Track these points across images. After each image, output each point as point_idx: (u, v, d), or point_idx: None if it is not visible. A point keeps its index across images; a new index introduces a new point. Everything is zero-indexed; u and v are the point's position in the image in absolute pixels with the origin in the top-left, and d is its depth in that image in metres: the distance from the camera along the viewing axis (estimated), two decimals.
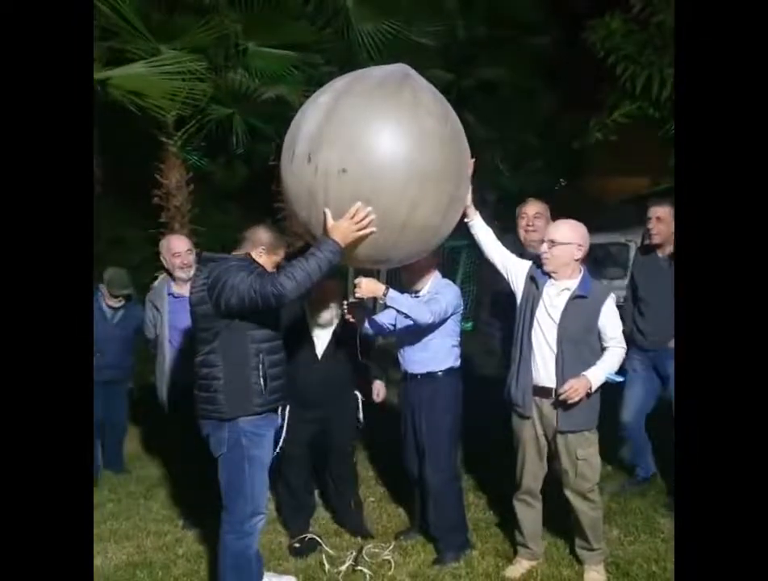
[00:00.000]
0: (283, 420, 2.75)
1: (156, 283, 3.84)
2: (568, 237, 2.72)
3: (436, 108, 2.44)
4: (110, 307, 4.26)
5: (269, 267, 2.62)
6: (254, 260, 2.57)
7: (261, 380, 2.50)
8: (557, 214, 3.18)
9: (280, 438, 2.79)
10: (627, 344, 2.84)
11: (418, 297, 3.01)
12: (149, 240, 5.73)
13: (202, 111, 5.51)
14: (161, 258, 3.66)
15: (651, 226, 3.54)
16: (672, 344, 3.37)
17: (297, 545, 3.19)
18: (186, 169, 5.84)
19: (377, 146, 2.27)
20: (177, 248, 3.54)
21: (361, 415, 3.32)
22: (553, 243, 2.71)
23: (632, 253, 6.77)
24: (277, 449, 2.80)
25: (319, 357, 3.19)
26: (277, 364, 2.59)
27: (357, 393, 3.34)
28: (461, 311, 3.10)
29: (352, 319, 3.01)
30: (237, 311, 2.42)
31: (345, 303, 2.94)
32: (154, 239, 5.65)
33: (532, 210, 3.38)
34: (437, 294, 2.97)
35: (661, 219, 3.50)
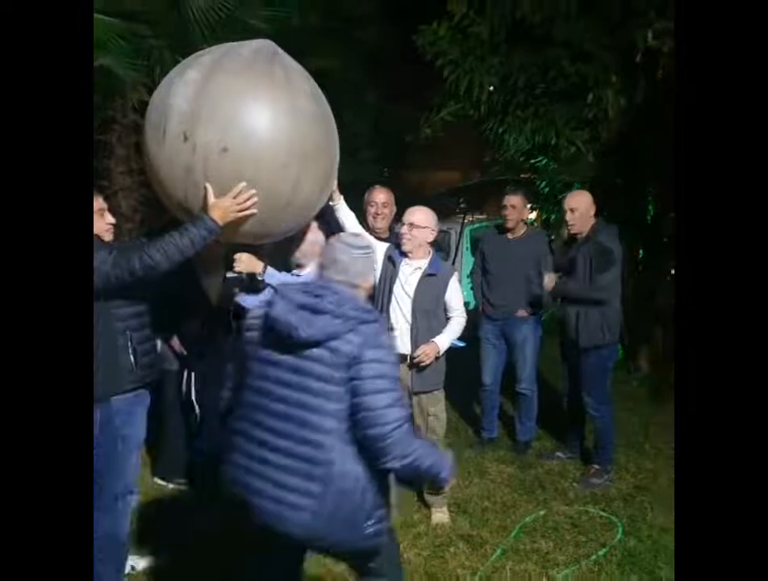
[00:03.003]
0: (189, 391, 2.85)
1: None
2: (425, 221, 3.08)
3: (307, 87, 2.55)
4: None
5: (104, 231, 2.55)
6: (98, 238, 2.49)
7: (131, 357, 2.49)
8: None
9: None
10: (479, 317, 3.30)
11: (299, 276, 3.17)
12: None
13: None
14: None
15: (506, 212, 4.11)
16: (519, 313, 4.04)
17: None
18: None
19: (258, 125, 2.33)
20: None
21: None
22: (412, 226, 3.06)
23: (453, 239, 7.53)
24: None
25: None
26: (146, 339, 2.58)
27: None
28: None
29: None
30: (101, 292, 2.34)
31: (224, 276, 2.99)
32: None
33: (382, 198, 3.61)
34: (314, 277, 3.14)
35: (515, 207, 4.09)
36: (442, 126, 5.95)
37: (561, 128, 5.37)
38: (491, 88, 5.61)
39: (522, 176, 6.31)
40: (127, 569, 2.77)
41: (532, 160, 5.84)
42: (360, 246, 1.99)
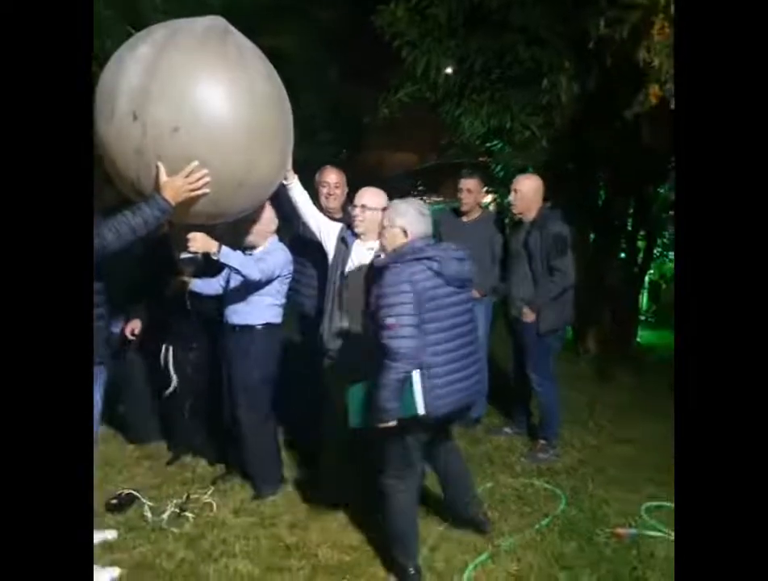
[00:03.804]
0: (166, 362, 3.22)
1: None
2: (377, 203, 3.12)
3: (261, 65, 2.54)
4: None
5: None
6: None
7: None
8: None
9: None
10: None
11: (251, 255, 3.18)
12: None
13: None
14: None
15: (462, 196, 4.18)
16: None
17: (114, 501, 3.22)
18: None
19: (210, 104, 2.31)
20: None
21: None
22: (364, 207, 3.09)
23: None
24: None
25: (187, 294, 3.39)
26: (100, 317, 2.57)
27: None
28: (288, 274, 3.30)
29: (182, 276, 3.12)
30: None
31: (179, 257, 2.98)
32: None
33: (333, 178, 3.62)
34: (267, 255, 3.16)
35: (471, 191, 4.17)
36: (399, 107, 5.97)
37: (516, 113, 5.46)
38: (450, 70, 5.65)
39: (480, 160, 6.39)
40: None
41: (488, 144, 5.92)
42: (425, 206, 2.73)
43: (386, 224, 2.66)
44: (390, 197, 3.20)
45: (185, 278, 3.35)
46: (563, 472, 3.76)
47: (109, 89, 2.38)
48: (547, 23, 5.17)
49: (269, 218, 3.21)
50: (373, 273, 2.83)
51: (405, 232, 2.58)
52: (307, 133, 7.58)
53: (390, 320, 2.42)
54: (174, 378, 3.61)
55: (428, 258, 2.50)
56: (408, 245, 2.55)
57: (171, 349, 3.62)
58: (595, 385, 5.49)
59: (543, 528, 3.11)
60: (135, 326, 3.62)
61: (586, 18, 4.69)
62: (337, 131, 7.01)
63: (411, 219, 2.59)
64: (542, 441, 3.98)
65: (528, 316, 3.80)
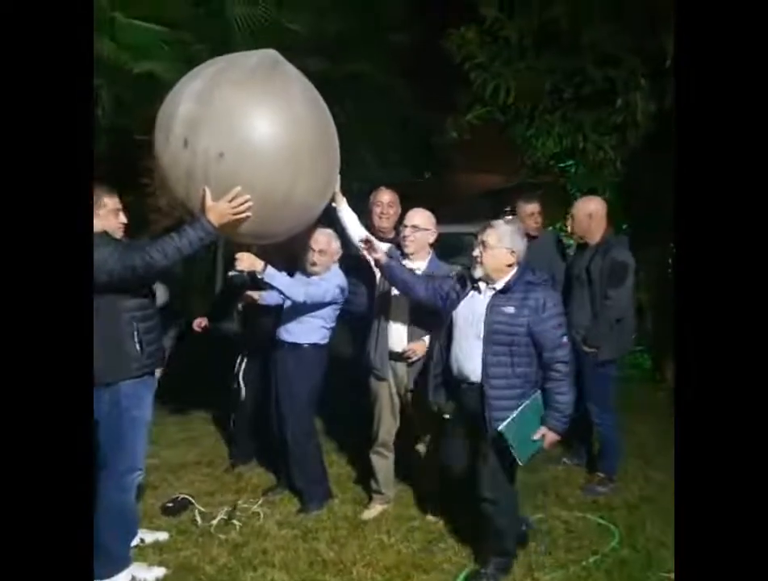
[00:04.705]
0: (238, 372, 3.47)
1: None
2: (427, 223, 3.16)
3: (306, 94, 2.69)
4: None
5: (116, 229, 2.72)
6: (108, 234, 2.65)
7: (137, 345, 2.65)
8: (412, 205, 3.64)
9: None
10: None
11: (306, 278, 3.30)
12: None
13: None
14: None
15: (528, 222, 4.13)
16: None
17: (169, 504, 3.40)
18: None
19: (253, 132, 2.48)
20: None
21: None
22: (416, 228, 3.13)
23: None
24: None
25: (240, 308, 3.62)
26: (152, 330, 2.74)
27: None
28: (341, 301, 3.38)
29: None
30: (104, 286, 2.48)
31: (228, 274, 3.13)
32: None
33: (387, 198, 3.64)
34: (321, 280, 3.27)
35: (533, 214, 4.11)
36: (469, 129, 5.97)
37: (588, 133, 5.33)
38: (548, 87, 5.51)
39: (561, 179, 6.26)
40: (136, 541, 2.95)
41: (561, 164, 5.81)
42: None
43: (490, 243, 2.64)
44: (472, 218, 3.18)
45: (255, 293, 3.50)
46: (622, 507, 3.55)
47: (167, 117, 2.60)
48: (620, 42, 5.03)
49: (334, 248, 3.32)
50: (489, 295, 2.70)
51: (512, 253, 2.63)
52: (380, 156, 7.71)
53: (565, 339, 2.57)
54: (243, 388, 3.77)
55: (546, 281, 2.68)
56: (526, 268, 2.68)
57: (245, 360, 3.78)
58: (669, 417, 5.16)
59: (590, 565, 2.95)
60: (203, 321, 3.81)
61: (663, 36, 4.53)
62: (410, 153, 7.10)
63: (518, 239, 2.68)
64: (600, 474, 3.80)
65: (588, 349, 3.67)
